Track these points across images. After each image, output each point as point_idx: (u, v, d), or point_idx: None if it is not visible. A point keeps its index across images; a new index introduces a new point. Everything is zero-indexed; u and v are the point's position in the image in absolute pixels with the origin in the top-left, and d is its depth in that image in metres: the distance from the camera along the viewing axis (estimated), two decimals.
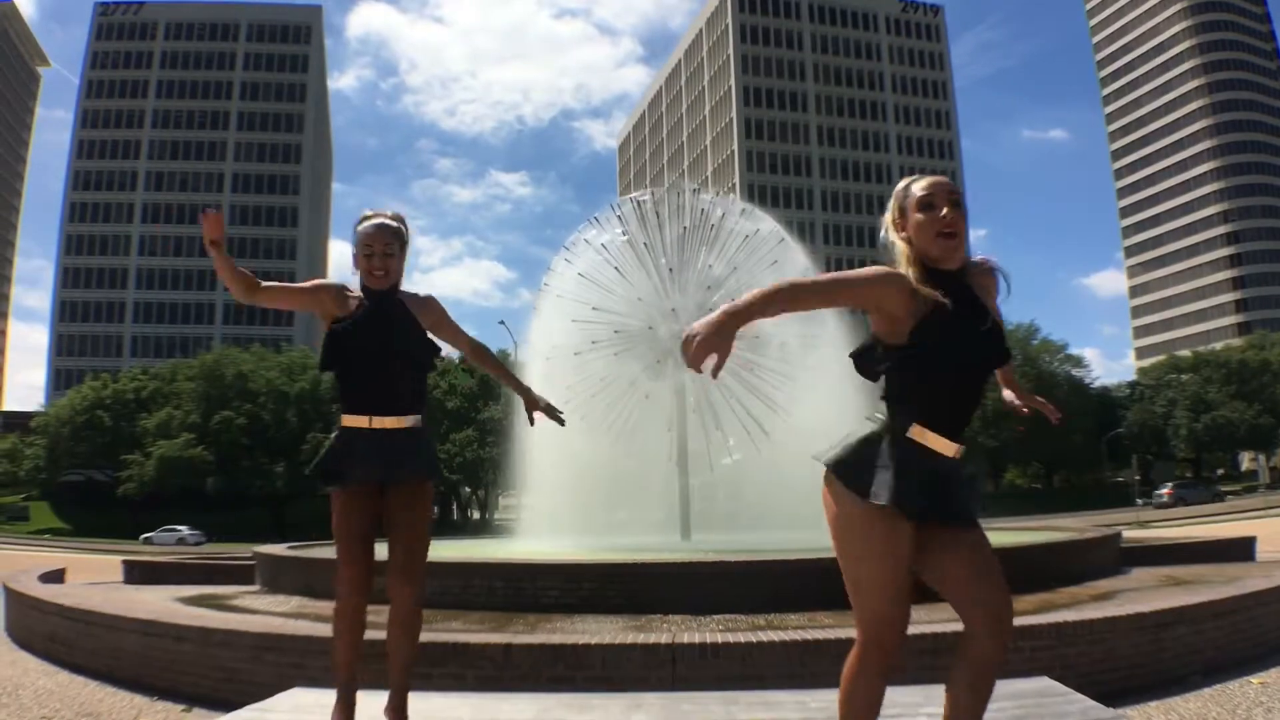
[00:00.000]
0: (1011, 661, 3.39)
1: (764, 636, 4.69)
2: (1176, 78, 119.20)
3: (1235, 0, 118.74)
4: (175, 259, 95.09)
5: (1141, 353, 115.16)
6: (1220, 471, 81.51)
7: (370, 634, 3.23)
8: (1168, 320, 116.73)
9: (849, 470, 2.30)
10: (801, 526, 11.66)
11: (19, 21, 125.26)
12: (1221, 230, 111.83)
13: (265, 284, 3.18)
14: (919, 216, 2.33)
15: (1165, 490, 54.88)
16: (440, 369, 52.71)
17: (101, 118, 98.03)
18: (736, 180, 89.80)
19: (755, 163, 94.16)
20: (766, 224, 13.18)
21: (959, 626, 2.36)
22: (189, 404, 60.69)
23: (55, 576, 9.91)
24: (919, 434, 2.28)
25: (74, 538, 52.16)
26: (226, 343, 78.92)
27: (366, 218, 3.27)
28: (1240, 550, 10.72)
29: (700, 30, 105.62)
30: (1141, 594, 6.92)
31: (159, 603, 7.18)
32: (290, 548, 11.07)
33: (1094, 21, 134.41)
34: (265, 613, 7.10)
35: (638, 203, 13.13)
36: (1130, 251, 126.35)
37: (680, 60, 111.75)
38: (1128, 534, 12.31)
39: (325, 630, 5.30)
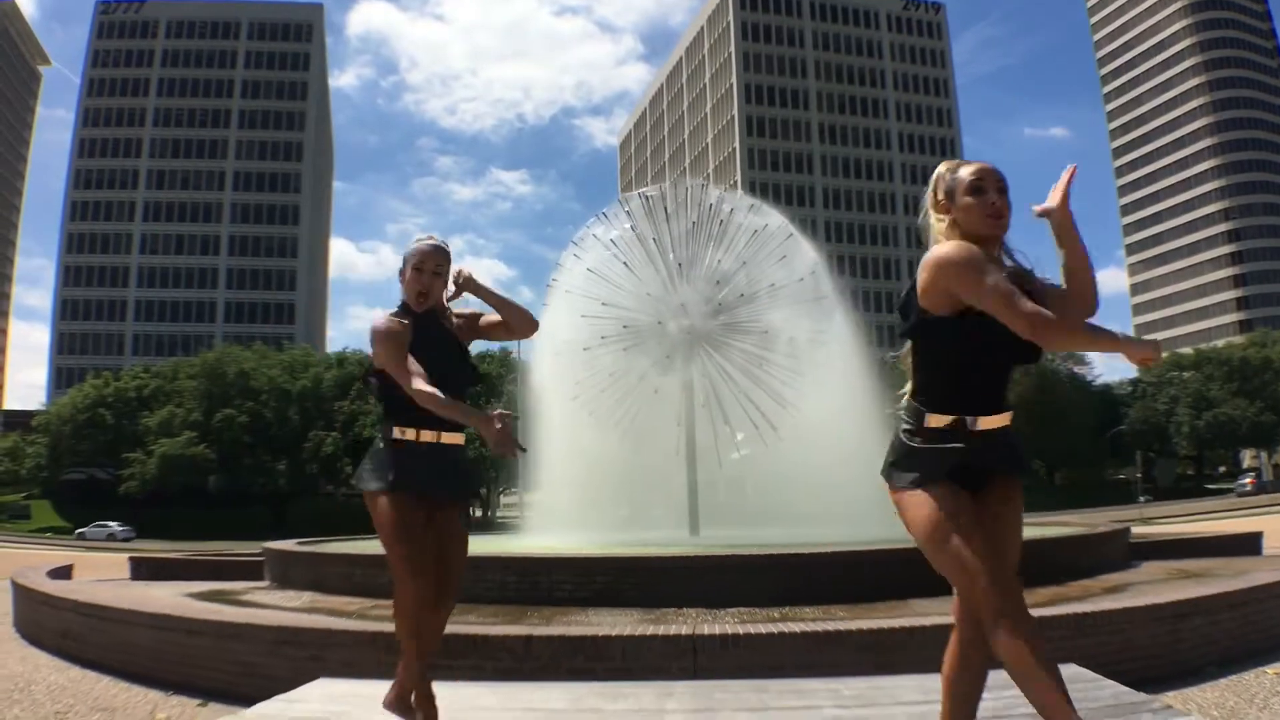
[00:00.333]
0: None
1: (784, 628, 4.70)
2: (1177, 75, 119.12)
3: None
4: (176, 257, 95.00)
5: None
6: (1222, 469, 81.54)
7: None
8: (1169, 318, 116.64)
9: (894, 471, 2.47)
10: (809, 521, 11.67)
11: (20, 20, 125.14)
12: (1223, 228, 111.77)
13: (416, 383, 3.06)
14: (968, 199, 2.46)
15: (1248, 480, 59.60)
16: None
17: (103, 116, 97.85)
18: (738, 178, 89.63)
19: (757, 160, 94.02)
20: (775, 219, 13.17)
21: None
22: (191, 402, 60.64)
23: (63, 573, 9.93)
24: (935, 420, 2.44)
25: (73, 538, 52.24)
26: (228, 341, 78.82)
27: (421, 239, 3.36)
28: (1247, 545, 10.78)
29: (701, 27, 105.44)
30: (1153, 586, 6.93)
31: (171, 598, 7.19)
32: (300, 543, 11.07)
33: (1095, 19, 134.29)
34: (278, 607, 7.12)
35: (645, 198, 13.11)
36: (1131, 249, 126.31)
37: (681, 58, 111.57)
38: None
39: (343, 624, 5.32)
